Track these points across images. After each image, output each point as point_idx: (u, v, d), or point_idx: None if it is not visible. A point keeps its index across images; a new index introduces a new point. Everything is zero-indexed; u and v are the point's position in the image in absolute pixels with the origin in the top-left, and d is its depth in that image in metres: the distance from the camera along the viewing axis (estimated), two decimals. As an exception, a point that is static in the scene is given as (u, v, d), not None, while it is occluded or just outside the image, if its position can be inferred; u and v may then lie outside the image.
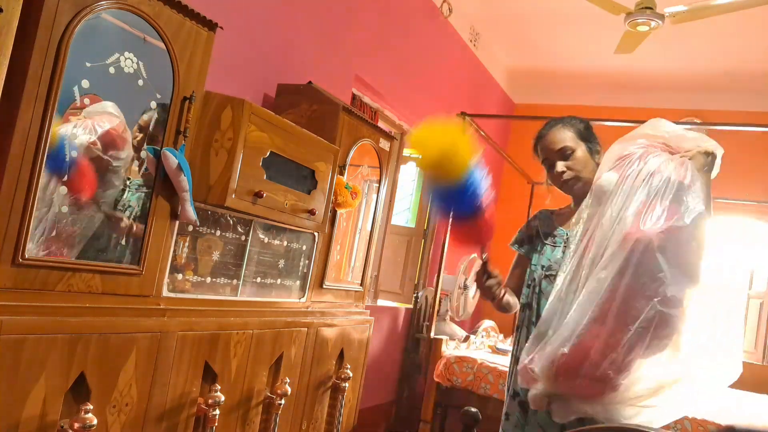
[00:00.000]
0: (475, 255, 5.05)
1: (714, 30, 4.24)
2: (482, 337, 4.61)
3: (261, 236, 2.16)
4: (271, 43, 2.81)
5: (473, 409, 1.60)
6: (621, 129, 1.87)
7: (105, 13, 1.48)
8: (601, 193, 1.49)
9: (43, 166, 1.38)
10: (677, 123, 5.73)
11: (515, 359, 1.85)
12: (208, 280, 1.96)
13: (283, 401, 2.14)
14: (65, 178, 1.45)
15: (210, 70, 1.82)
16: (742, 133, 5.21)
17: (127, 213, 1.63)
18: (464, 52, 4.98)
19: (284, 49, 2.90)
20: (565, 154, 1.78)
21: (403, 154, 4.61)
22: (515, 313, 1.91)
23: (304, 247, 2.40)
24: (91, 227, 1.55)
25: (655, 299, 1.35)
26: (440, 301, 4.26)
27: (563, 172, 1.78)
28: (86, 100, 1.47)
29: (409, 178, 5.53)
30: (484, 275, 1.68)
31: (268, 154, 1.99)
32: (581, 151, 1.79)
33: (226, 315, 1.96)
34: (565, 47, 5.15)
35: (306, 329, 2.33)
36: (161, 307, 1.74)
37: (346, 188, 2.48)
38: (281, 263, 2.28)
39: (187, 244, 1.86)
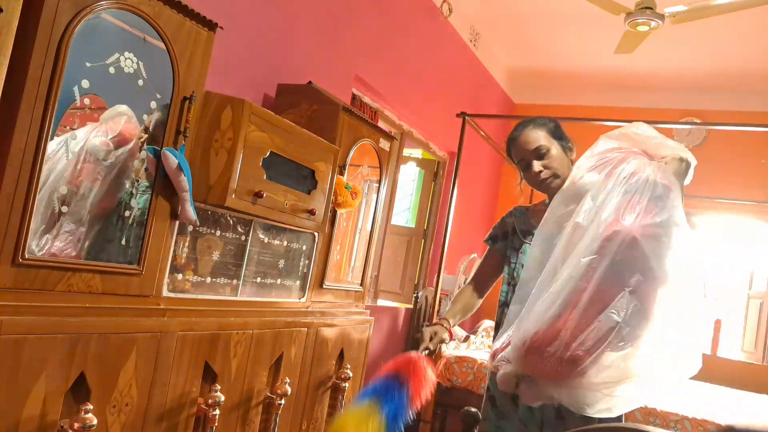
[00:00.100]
0: (475, 255, 5.05)
1: (714, 30, 4.24)
2: (482, 337, 4.61)
3: (261, 236, 2.16)
4: (271, 43, 2.81)
5: (473, 409, 1.61)
6: (621, 129, 1.88)
7: (105, 13, 1.48)
8: (583, 191, 1.52)
9: (44, 165, 1.38)
10: (677, 123, 5.69)
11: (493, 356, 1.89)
12: (208, 280, 1.96)
13: (283, 401, 2.14)
14: (66, 178, 1.45)
15: (210, 70, 1.82)
16: (742, 133, 5.22)
17: (128, 213, 1.63)
18: (464, 52, 4.98)
19: (284, 49, 2.90)
20: (540, 153, 1.80)
21: (403, 154, 4.62)
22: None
23: (304, 247, 2.40)
24: (91, 227, 1.55)
25: (627, 288, 1.39)
26: (440, 301, 4.26)
27: (540, 172, 1.80)
28: (86, 100, 1.48)
29: (409, 178, 5.53)
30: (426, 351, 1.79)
31: (268, 154, 1.99)
32: (555, 149, 1.81)
33: (226, 315, 1.96)
34: (565, 47, 5.16)
35: (306, 329, 2.33)
36: (161, 307, 1.74)
37: (346, 188, 2.48)
38: (281, 263, 2.28)
39: (187, 244, 1.86)
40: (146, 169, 1.66)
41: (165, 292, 1.77)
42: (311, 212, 2.24)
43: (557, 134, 1.84)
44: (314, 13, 3.09)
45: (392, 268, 4.83)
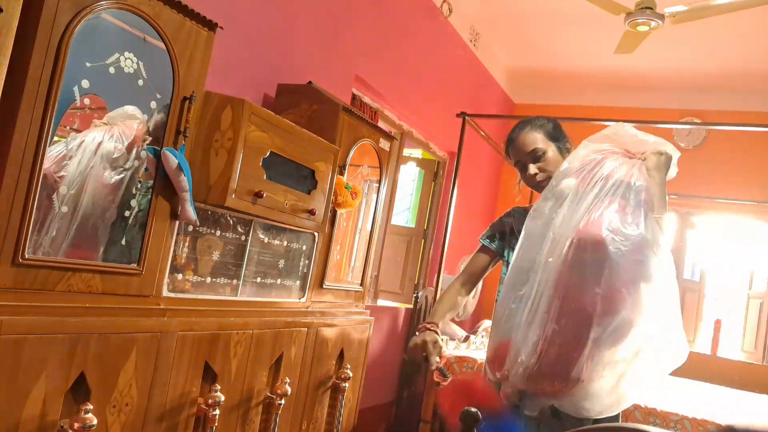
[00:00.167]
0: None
1: (714, 30, 4.24)
2: (482, 337, 4.61)
3: (261, 236, 2.16)
4: (271, 43, 2.81)
5: (473, 409, 1.60)
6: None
7: (105, 13, 1.48)
8: (560, 196, 1.54)
9: (44, 165, 1.38)
10: (677, 123, 5.67)
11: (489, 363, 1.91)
12: (208, 280, 1.96)
13: (283, 401, 2.14)
14: (66, 178, 1.45)
15: (210, 70, 1.82)
16: (742, 133, 5.22)
17: (128, 213, 1.63)
18: (464, 52, 4.98)
19: (284, 49, 2.90)
20: (536, 155, 1.81)
21: (403, 154, 4.62)
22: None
23: (304, 247, 2.40)
24: (91, 227, 1.55)
25: (596, 289, 1.41)
26: (440, 301, 4.25)
27: (536, 174, 1.81)
28: (86, 100, 1.48)
29: (409, 178, 5.53)
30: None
31: (268, 154, 1.99)
32: (552, 151, 1.82)
33: (226, 315, 1.96)
34: (565, 47, 5.15)
35: (306, 329, 2.33)
36: (161, 307, 1.74)
37: (346, 188, 2.48)
38: (281, 263, 2.28)
39: (187, 244, 1.86)
40: (146, 169, 1.66)
41: (165, 292, 1.77)
42: (311, 212, 2.24)
43: (555, 135, 1.84)
44: (314, 13, 3.09)
45: (392, 268, 4.83)
